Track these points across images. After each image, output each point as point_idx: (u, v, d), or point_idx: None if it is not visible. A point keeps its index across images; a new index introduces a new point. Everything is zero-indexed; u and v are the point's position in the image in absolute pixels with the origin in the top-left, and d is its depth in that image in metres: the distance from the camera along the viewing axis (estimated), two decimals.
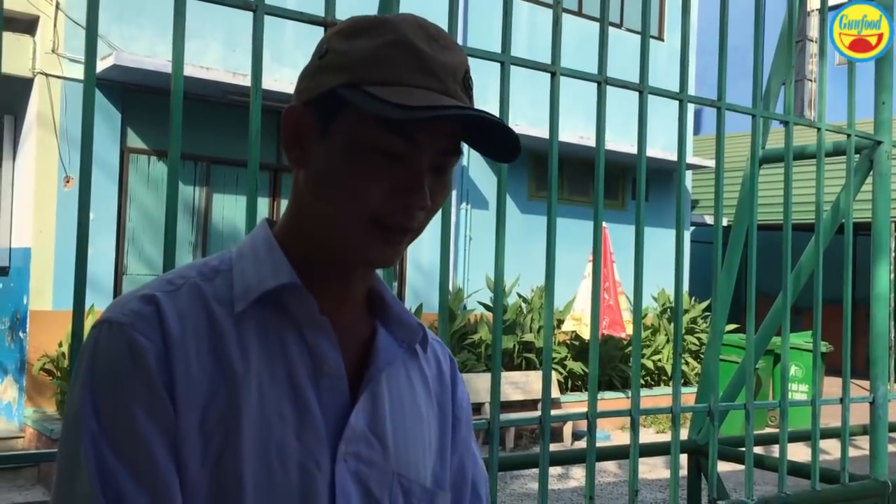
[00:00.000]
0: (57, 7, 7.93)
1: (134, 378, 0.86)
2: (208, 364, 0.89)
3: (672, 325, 11.56)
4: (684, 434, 3.72)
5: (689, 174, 13.24)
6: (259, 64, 1.86)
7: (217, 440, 0.88)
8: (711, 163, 12.31)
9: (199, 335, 0.90)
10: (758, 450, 3.20)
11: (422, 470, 1.01)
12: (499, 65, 2.32)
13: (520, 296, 10.47)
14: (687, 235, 12.64)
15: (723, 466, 3.31)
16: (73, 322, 1.72)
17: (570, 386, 10.36)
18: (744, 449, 3.03)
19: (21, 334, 8.08)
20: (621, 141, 10.97)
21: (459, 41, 2.26)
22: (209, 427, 0.87)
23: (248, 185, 1.87)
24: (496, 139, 0.94)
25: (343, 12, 1.66)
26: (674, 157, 11.31)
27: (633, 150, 9.85)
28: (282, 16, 1.94)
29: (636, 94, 2.64)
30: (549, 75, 2.43)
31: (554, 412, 2.97)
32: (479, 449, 1.14)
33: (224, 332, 0.91)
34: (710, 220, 14.29)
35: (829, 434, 3.65)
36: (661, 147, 11.03)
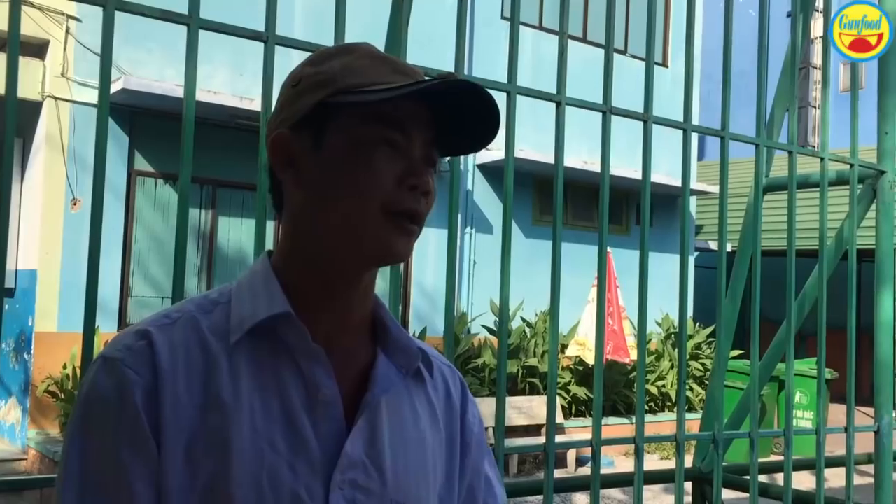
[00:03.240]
0: (67, 31, 8.03)
1: (119, 414, 0.89)
2: (198, 395, 0.91)
3: (676, 350, 11.52)
4: (689, 461, 3.70)
5: (693, 199, 13.26)
6: (269, 93, 1.88)
7: (205, 471, 0.89)
8: (715, 188, 12.30)
9: (191, 367, 0.92)
10: (763, 478, 3.18)
11: (423, 498, 1.01)
12: (503, 93, 2.34)
13: (524, 320, 10.45)
14: (691, 261, 12.62)
15: (727, 494, 3.29)
16: (84, 344, 1.73)
17: (573, 411, 10.32)
18: (748, 477, 3.01)
19: (26, 356, 8.09)
20: (625, 166, 11.01)
21: (465, 68, 2.29)
22: (196, 458, 0.89)
23: (257, 210, 1.89)
24: (474, 121, 0.99)
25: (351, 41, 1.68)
26: (678, 182, 11.35)
27: (637, 175, 9.86)
28: (291, 46, 1.97)
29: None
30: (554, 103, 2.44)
31: (558, 438, 2.95)
32: (494, 470, 1.13)
33: (217, 363, 0.92)
34: (714, 245, 14.28)
35: (833, 463, 3.62)
36: (666, 172, 11.06)
